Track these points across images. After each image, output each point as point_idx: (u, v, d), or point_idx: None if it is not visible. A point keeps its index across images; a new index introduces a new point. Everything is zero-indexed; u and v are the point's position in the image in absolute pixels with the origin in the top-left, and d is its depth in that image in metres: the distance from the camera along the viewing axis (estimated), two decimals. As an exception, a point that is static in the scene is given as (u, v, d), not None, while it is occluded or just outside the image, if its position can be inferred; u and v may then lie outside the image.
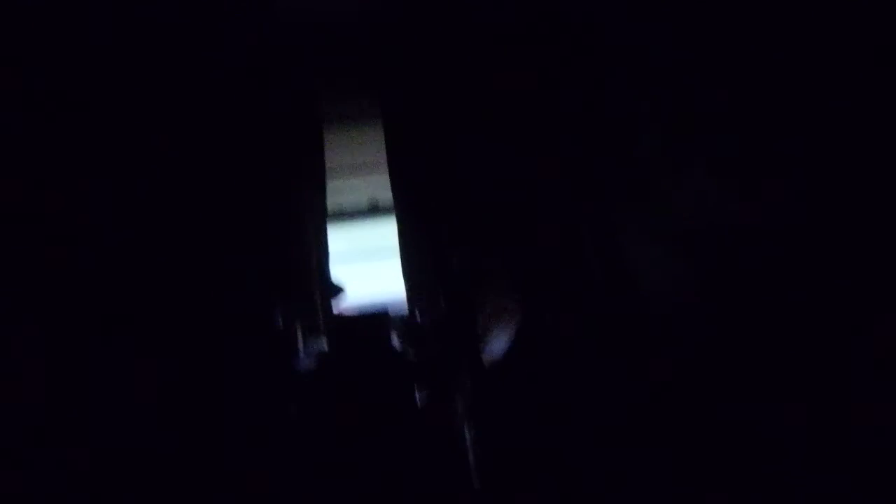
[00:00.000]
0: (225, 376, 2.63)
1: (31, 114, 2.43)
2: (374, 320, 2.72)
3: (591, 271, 1.98)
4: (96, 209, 2.70)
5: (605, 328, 1.98)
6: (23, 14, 2.37)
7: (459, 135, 2.89)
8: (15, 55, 2.35)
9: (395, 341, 2.76)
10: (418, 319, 2.83)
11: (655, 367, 1.94)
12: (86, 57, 2.74)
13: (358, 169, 3.14)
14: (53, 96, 2.55)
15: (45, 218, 2.43)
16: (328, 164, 3.06)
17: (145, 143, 2.90)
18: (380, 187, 3.13)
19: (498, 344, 2.07)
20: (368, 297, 3.24)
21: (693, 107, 1.85)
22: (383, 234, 3.20)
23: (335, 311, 2.94)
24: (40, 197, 2.44)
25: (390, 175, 3.00)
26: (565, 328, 1.98)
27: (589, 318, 1.93)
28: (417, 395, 2.19)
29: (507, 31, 2.91)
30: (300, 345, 2.82)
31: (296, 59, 2.96)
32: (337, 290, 2.94)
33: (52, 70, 2.53)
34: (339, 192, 3.14)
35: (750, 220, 1.62)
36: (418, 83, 2.96)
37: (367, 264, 3.31)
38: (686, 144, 1.89)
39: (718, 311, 1.74)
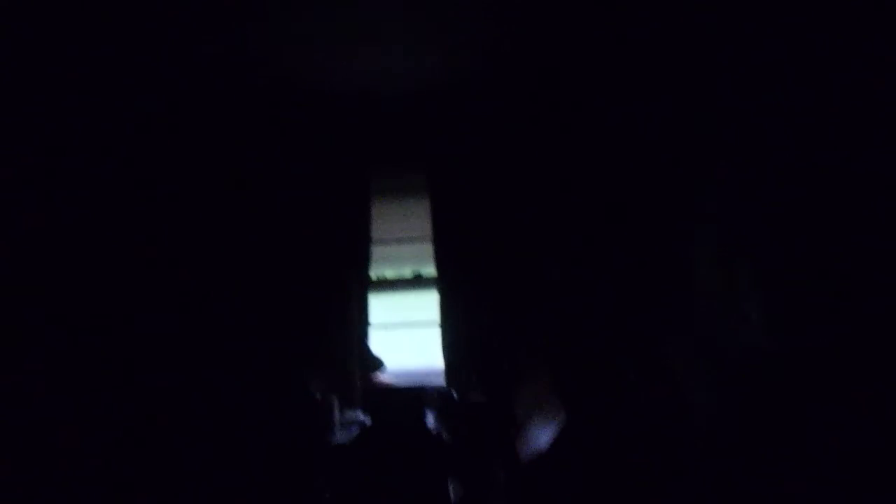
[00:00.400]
0: (259, 443, 2.66)
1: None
2: (411, 395, 2.70)
3: (632, 377, 1.94)
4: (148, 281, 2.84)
5: (642, 432, 1.92)
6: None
7: (509, 219, 2.93)
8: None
9: (431, 420, 2.73)
10: (455, 397, 2.80)
11: (692, 471, 1.86)
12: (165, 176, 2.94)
13: (403, 240, 3.20)
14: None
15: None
16: (374, 235, 3.14)
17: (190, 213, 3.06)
18: (423, 259, 3.18)
19: (534, 437, 2.02)
20: (408, 365, 3.25)
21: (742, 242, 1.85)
22: (425, 305, 3.23)
23: (373, 383, 2.94)
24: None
25: (434, 248, 3.04)
26: (602, 429, 1.92)
27: (628, 422, 1.87)
28: (450, 487, 2.14)
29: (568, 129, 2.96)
30: (336, 415, 2.83)
31: (347, 133, 3.08)
32: (376, 363, 2.95)
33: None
34: (383, 261, 3.20)
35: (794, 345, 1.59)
36: (467, 161, 3.03)
37: (408, 332, 3.33)
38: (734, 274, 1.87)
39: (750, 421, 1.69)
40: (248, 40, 2.32)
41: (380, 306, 3.25)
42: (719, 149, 1.89)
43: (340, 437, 2.65)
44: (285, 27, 2.21)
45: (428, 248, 3.13)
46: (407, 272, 3.31)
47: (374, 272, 3.20)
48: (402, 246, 3.25)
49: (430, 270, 3.20)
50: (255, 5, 2.05)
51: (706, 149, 1.99)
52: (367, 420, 2.80)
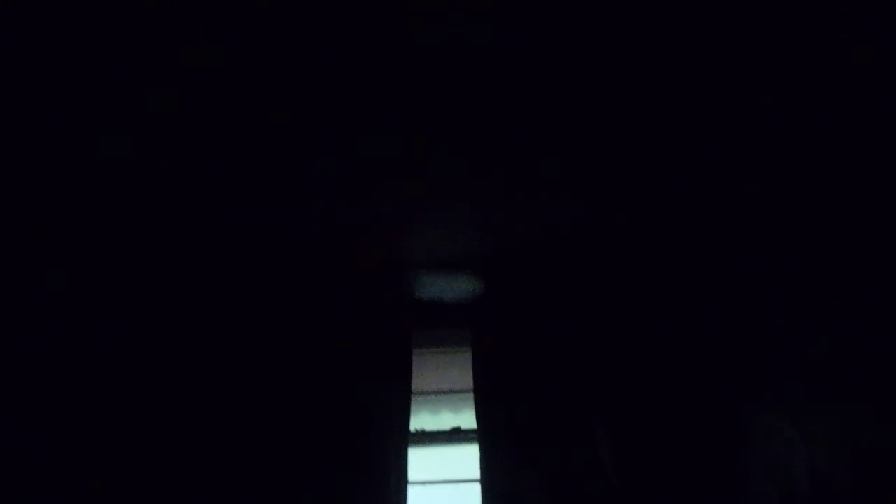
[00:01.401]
0: None
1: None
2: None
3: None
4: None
5: None
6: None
7: (555, 378, 2.96)
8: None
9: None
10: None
11: None
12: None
13: (443, 393, 3.21)
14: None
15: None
16: (415, 387, 3.15)
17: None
18: (463, 413, 3.16)
19: None
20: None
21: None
22: (464, 460, 3.15)
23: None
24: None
25: (476, 402, 3.03)
26: None
27: None
28: None
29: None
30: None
31: (393, 286, 3.22)
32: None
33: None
34: (423, 414, 3.18)
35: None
36: (513, 318, 3.13)
37: (445, 489, 3.21)
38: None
39: None
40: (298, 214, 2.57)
41: (417, 460, 3.16)
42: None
43: None
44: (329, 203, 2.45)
45: (469, 400, 3.12)
46: (446, 425, 3.27)
47: (413, 425, 3.16)
48: (442, 397, 3.25)
49: (470, 423, 3.16)
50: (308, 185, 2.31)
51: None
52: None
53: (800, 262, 2.13)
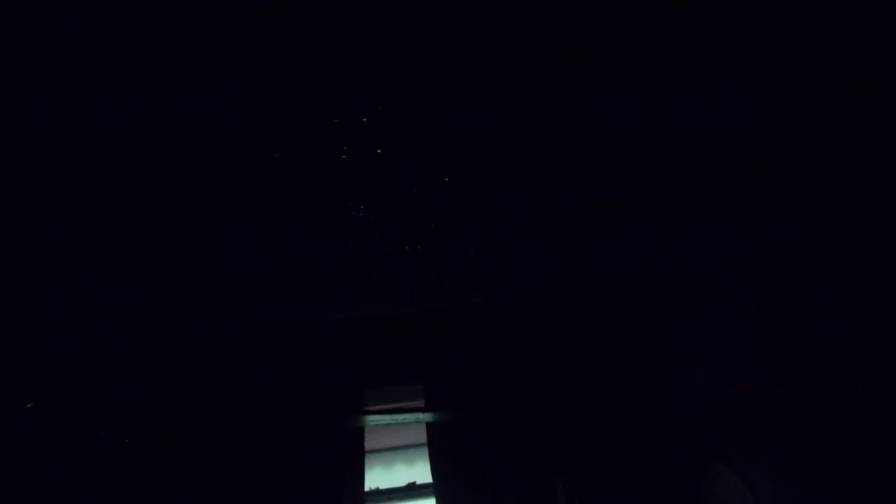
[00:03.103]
0: None
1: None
2: None
3: None
4: None
5: None
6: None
7: (510, 431, 3.00)
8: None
9: None
10: None
11: None
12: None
13: (397, 450, 3.19)
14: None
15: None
16: (368, 446, 3.11)
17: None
18: (417, 465, 3.15)
19: None
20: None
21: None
22: (421, 516, 3.13)
23: None
24: None
25: (430, 458, 3.03)
26: None
27: None
28: None
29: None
30: None
31: (342, 347, 3.18)
32: None
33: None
34: (377, 471, 3.14)
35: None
36: (466, 372, 3.14)
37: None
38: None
39: None
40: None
41: (373, 519, 3.12)
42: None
43: None
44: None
45: (422, 453, 3.11)
46: (401, 479, 3.25)
47: (367, 483, 3.12)
48: (396, 453, 3.23)
49: (426, 477, 3.15)
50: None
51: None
52: None
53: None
